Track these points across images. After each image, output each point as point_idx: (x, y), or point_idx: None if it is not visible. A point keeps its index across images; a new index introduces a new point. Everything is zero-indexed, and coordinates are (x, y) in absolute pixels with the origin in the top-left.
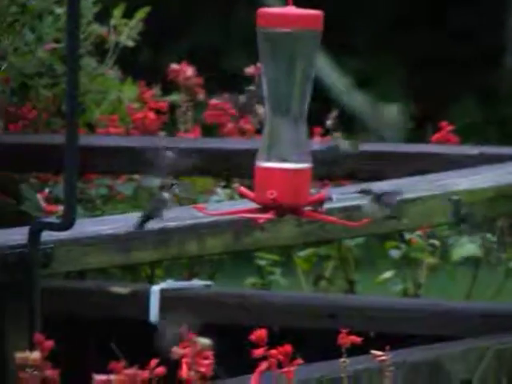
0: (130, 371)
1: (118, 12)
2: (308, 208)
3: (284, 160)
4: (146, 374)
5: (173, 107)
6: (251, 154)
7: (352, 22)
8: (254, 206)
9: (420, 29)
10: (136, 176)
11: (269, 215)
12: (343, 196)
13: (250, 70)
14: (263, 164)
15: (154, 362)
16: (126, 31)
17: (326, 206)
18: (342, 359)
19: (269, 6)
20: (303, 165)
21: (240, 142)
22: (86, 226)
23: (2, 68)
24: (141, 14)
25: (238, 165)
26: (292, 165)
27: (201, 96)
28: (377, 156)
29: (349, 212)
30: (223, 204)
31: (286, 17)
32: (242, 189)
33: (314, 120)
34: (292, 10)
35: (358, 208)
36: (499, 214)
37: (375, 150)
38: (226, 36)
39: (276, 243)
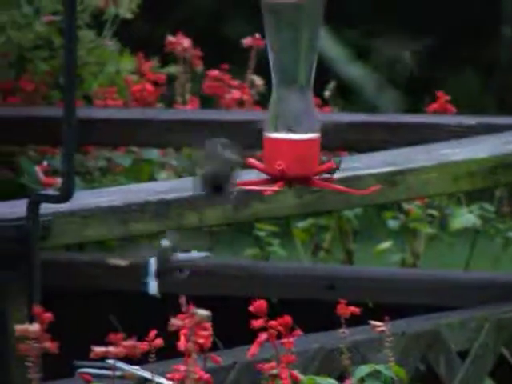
0: (129, 343)
1: None
2: (317, 177)
3: (292, 130)
4: (144, 345)
5: (171, 79)
6: (251, 125)
7: None
8: (262, 177)
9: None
10: (134, 148)
11: (276, 187)
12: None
13: (247, 41)
14: (271, 135)
15: (152, 333)
16: (126, 3)
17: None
18: (341, 330)
19: None
20: (311, 134)
21: (239, 113)
22: (85, 198)
23: (0, 42)
24: None
25: (237, 136)
26: (300, 135)
27: (199, 67)
28: (374, 126)
29: (350, 182)
30: None
31: None
32: (251, 160)
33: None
34: None
35: (358, 178)
36: (498, 184)
37: (372, 121)
38: (227, 5)
39: (276, 214)
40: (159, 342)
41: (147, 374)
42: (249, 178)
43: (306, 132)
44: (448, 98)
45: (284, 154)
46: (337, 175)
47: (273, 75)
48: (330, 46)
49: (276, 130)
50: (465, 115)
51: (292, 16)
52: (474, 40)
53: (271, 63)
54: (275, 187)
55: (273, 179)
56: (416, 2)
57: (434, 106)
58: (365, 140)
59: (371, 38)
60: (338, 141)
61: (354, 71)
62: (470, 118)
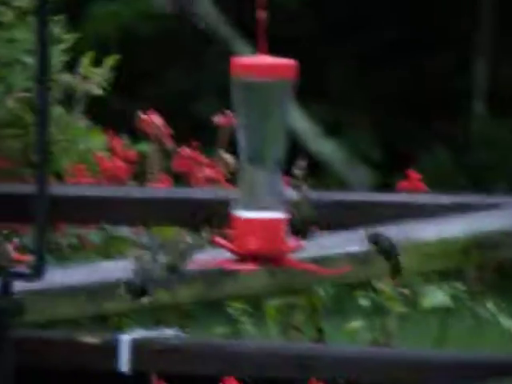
0: None
1: (86, 60)
2: (288, 257)
3: (262, 209)
4: None
5: (142, 156)
6: (220, 204)
7: (323, 70)
8: (229, 256)
9: (388, 74)
10: (106, 225)
11: (252, 266)
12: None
13: (217, 119)
14: (241, 214)
15: None
16: (95, 79)
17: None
18: None
19: (240, 53)
20: (281, 213)
21: (209, 191)
22: (56, 276)
23: None
24: (110, 61)
25: (207, 214)
26: (271, 214)
27: (170, 145)
28: (345, 204)
29: (321, 261)
30: None
31: (261, 66)
32: (219, 239)
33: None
34: (266, 59)
35: (329, 257)
36: (471, 264)
37: (343, 199)
38: (197, 83)
39: (248, 293)
40: None
41: None
42: (213, 257)
43: (276, 211)
44: (419, 176)
45: (255, 233)
46: (308, 254)
47: (242, 154)
48: (299, 121)
49: (246, 209)
50: (437, 194)
51: (262, 94)
52: (445, 116)
53: (240, 141)
54: (252, 266)
55: (243, 258)
56: (386, 77)
57: (405, 183)
58: (336, 218)
59: (343, 116)
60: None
61: (324, 147)
62: (443, 196)
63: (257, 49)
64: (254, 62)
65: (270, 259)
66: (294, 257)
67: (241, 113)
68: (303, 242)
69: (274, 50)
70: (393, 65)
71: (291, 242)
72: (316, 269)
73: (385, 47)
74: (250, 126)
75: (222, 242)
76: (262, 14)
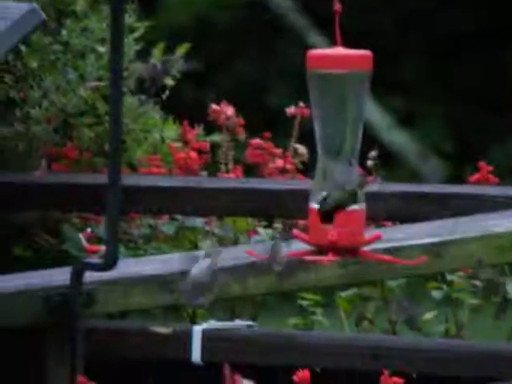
0: None
1: (158, 50)
2: (364, 248)
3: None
4: None
5: (214, 147)
6: (293, 194)
7: (397, 61)
8: (306, 247)
9: (462, 65)
10: (178, 216)
11: (331, 257)
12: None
13: (291, 110)
14: (317, 205)
15: None
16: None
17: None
18: None
19: (312, 44)
20: (358, 205)
21: (281, 181)
22: (129, 267)
23: (44, 106)
24: (181, 50)
25: (280, 205)
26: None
27: (242, 135)
28: (418, 197)
29: (394, 252)
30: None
31: (337, 58)
32: (295, 231)
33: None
34: (342, 50)
35: (402, 248)
36: None
37: (415, 191)
38: (269, 74)
39: (320, 284)
40: None
41: None
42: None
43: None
44: (491, 168)
45: (331, 225)
46: (381, 245)
47: (318, 146)
48: (372, 111)
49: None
50: (509, 186)
51: (338, 86)
52: None
53: (316, 133)
54: (330, 257)
55: (319, 250)
56: (461, 66)
57: (477, 176)
58: (408, 210)
59: (415, 106)
60: (381, 211)
61: (397, 138)
62: None
63: (332, 40)
64: (331, 54)
65: (346, 250)
66: (369, 248)
67: (316, 104)
68: (379, 233)
69: (347, 42)
70: (467, 56)
71: (368, 233)
72: (392, 259)
73: (459, 38)
74: (326, 117)
75: (297, 233)
76: (337, 6)
